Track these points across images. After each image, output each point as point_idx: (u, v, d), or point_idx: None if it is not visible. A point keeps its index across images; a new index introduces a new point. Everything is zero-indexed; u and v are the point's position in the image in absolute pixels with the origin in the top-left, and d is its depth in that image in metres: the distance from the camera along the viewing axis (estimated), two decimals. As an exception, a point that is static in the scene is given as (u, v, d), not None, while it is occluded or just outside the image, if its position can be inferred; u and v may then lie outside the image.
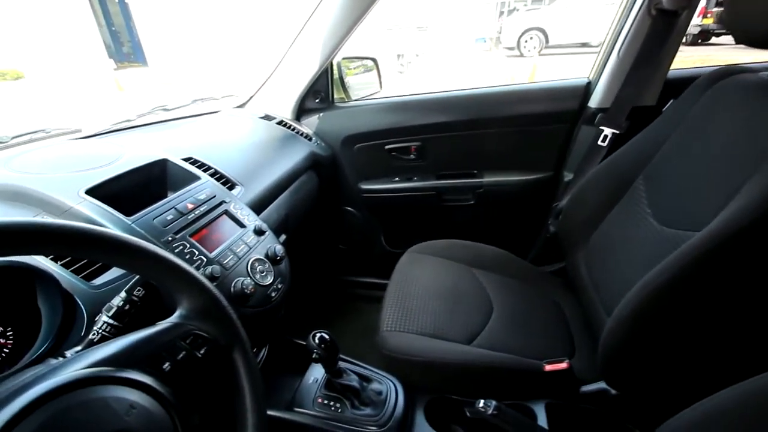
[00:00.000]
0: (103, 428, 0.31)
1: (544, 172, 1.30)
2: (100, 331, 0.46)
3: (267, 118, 1.22)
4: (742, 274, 0.54)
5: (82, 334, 0.47)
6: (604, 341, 0.65)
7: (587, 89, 1.20)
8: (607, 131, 1.12)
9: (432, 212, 1.41)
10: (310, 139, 1.26)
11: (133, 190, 0.67)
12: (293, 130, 1.23)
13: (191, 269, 0.41)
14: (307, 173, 1.18)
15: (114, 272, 0.54)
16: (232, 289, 0.61)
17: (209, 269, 0.60)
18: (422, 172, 1.36)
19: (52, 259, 0.52)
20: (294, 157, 1.12)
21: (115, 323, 0.47)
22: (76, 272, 0.52)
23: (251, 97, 1.32)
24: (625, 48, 1.10)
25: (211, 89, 1.33)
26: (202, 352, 0.51)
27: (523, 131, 1.26)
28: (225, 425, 0.52)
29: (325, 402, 0.81)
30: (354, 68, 1.42)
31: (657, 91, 1.11)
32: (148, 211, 0.62)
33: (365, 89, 1.43)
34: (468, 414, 0.80)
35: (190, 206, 0.68)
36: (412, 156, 1.33)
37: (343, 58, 1.31)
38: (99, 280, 0.53)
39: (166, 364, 0.47)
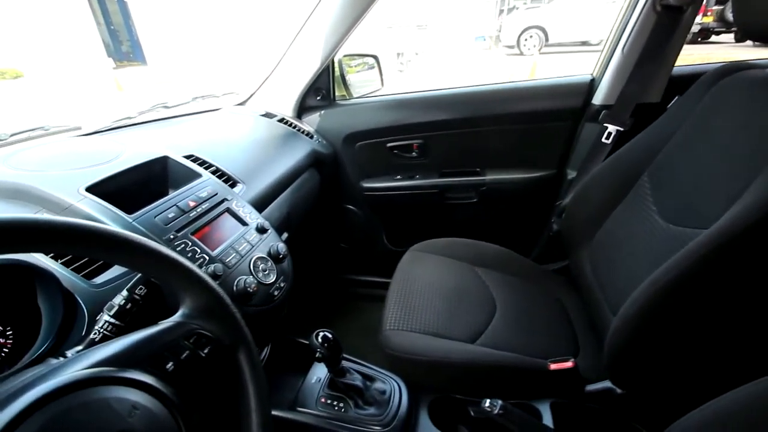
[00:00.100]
0: (105, 430, 0.30)
1: (547, 169, 1.29)
2: (102, 330, 0.45)
3: (268, 115, 1.21)
4: (751, 272, 0.53)
5: (83, 333, 0.46)
6: (610, 340, 0.64)
7: (591, 86, 1.20)
8: (611, 128, 1.11)
9: (434, 210, 1.40)
10: (311, 137, 1.25)
11: (134, 187, 0.66)
12: (294, 127, 1.22)
13: (195, 267, 0.40)
14: (309, 171, 1.17)
15: (115, 271, 0.54)
16: (234, 288, 0.61)
17: (211, 267, 0.59)
18: (424, 170, 1.35)
19: (52, 257, 0.51)
20: (295, 155, 1.11)
21: (117, 322, 0.46)
22: (76, 270, 0.51)
23: (252, 95, 1.31)
24: (630, 44, 1.09)
25: (211, 88, 1.32)
26: (205, 351, 0.50)
27: (526, 129, 1.25)
28: (229, 425, 0.52)
29: (329, 401, 0.80)
30: (355, 66, 1.41)
31: (662, 87, 1.11)
32: (150, 209, 0.61)
33: (366, 87, 1.42)
34: (472, 413, 0.80)
35: (192, 204, 0.67)
36: (414, 154, 1.33)
37: (345, 56, 1.30)
38: (100, 279, 0.52)
39: (169, 364, 0.46)
